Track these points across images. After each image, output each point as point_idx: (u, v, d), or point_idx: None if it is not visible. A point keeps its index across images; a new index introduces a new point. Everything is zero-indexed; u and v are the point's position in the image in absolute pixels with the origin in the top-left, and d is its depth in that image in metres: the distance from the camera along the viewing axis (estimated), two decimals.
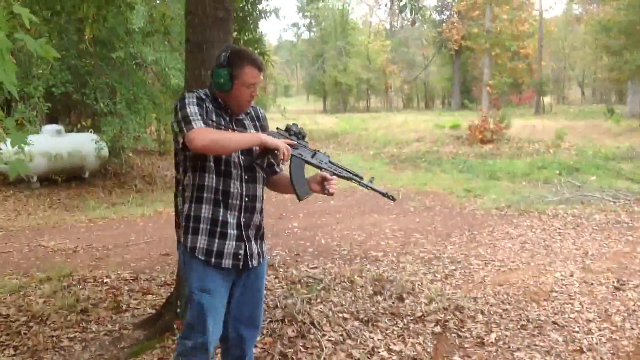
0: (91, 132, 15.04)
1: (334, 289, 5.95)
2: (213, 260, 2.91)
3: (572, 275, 6.69)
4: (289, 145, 2.92)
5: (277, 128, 3.08)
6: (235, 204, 2.96)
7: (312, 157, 3.09)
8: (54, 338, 4.84)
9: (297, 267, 7.01)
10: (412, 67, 54.98)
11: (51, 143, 14.19)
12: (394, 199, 3.26)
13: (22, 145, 3.08)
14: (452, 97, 47.09)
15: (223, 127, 2.92)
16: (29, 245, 8.41)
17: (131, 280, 6.48)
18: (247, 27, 7.63)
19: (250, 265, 3.04)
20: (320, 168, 3.10)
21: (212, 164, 2.88)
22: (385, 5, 60.34)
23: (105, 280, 6.45)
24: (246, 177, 2.99)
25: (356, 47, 50.05)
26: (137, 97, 13.96)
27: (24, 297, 5.89)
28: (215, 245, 2.91)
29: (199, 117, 2.76)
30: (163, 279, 6.46)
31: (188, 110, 2.77)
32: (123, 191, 14.45)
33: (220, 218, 2.92)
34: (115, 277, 6.61)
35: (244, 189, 2.99)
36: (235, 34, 7.23)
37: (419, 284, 6.24)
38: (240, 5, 7.32)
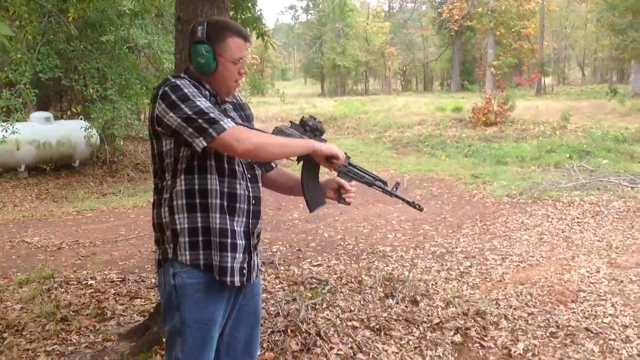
0: (81, 119, 14.47)
1: (341, 291, 5.43)
2: (229, 279, 2.36)
3: (598, 272, 6.16)
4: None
5: (291, 122, 2.54)
6: (242, 209, 2.42)
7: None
8: (30, 352, 4.32)
9: (299, 264, 6.51)
10: (411, 49, 54.33)
11: (39, 131, 13.72)
12: (421, 209, 2.70)
13: None
14: (452, 79, 46.49)
15: None
16: (11, 241, 7.90)
17: (118, 282, 5.94)
18: (245, 4, 7.02)
19: (251, 280, 2.51)
20: (339, 172, 2.57)
21: (213, 162, 2.34)
22: None
23: (89, 283, 5.91)
24: (249, 175, 2.46)
25: (354, 29, 49.29)
26: (128, 82, 13.36)
27: (0, 303, 5.37)
28: (229, 260, 2.35)
29: (219, 112, 2.27)
30: (153, 280, 5.92)
31: (199, 103, 2.24)
32: (114, 180, 13.94)
33: (229, 227, 2.36)
34: (100, 278, 6.08)
35: (251, 190, 2.46)
36: (232, 12, 6.65)
37: (433, 284, 5.73)
38: None
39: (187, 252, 2.35)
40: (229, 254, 2.36)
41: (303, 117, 2.55)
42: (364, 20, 51.58)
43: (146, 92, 13.83)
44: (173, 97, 2.25)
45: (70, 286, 5.80)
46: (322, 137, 2.55)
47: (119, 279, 6.04)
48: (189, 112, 2.22)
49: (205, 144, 2.21)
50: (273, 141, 2.31)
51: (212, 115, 2.22)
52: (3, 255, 7.17)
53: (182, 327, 2.37)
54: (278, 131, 2.50)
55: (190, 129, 2.21)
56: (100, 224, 8.97)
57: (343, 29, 47.93)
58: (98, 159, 15.77)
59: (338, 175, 2.58)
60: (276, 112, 27.26)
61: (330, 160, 2.46)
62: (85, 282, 5.94)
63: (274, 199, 10.32)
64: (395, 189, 2.61)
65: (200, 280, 2.36)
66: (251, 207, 2.46)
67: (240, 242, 2.41)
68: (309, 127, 2.51)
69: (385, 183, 2.61)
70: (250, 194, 2.46)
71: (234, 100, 2.61)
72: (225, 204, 2.37)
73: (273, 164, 2.70)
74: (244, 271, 2.44)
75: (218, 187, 2.35)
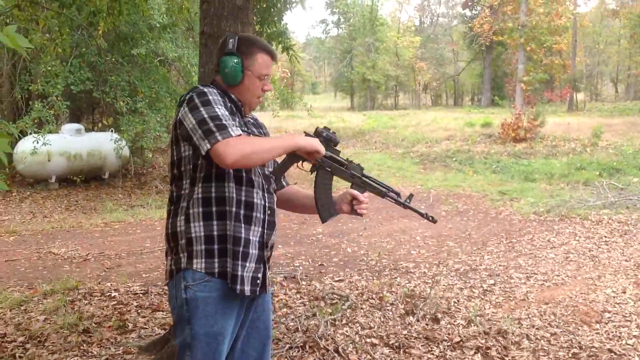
0: (112, 131, 14.67)
1: (361, 308, 5.40)
2: (238, 287, 2.36)
3: (624, 292, 6.04)
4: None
5: (305, 132, 2.55)
6: (258, 218, 2.45)
7: (343, 168, 2.59)
8: None
9: (321, 279, 6.48)
10: (442, 64, 54.08)
11: (70, 142, 13.90)
12: (434, 221, 2.70)
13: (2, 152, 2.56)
14: (482, 94, 46.15)
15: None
16: (39, 252, 7.98)
17: (141, 295, 5.98)
18: (271, 18, 7.07)
19: (265, 291, 2.53)
20: (352, 183, 2.59)
21: (231, 170, 2.37)
22: None
23: (112, 295, 5.96)
24: (266, 186, 2.50)
25: (385, 43, 49.23)
26: (158, 95, 13.53)
27: (25, 313, 5.44)
28: (239, 269, 2.37)
29: (233, 121, 2.32)
30: None
31: (217, 109, 2.29)
32: (143, 192, 14.04)
33: (244, 235, 2.39)
34: (124, 290, 6.12)
35: (267, 199, 2.49)
36: (257, 26, 6.70)
37: (455, 302, 5.66)
38: None
39: (203, 260, 2.36)
40: (239, 262, 2.37)
41: (317, 128, 2.56)
42: (395, 34, 51.49)
43: (175, 105, 13.98)
44: (197, 101, 2.31)
45: (94, 298, 5.85)
46: (336, 148, 2.57)
47: (141, 291, 6.08)
48: (205, 115, 2.26)
49: (209, 146, 2.22)
50: (259, 147, 2.31)
51: (224, 122, 2.25)
52: (30, 266, 7.26)
53: (192, 341, 2.38)
54: None
55: (200, 131, 2.25)
56: (126, 236, 9.06)
57: (373, 43, 47.90)
58: (127, 171, 15.94)
59: (351, 187, 2.60)
60: (305, 125, 27.32)
61: (312, 155, 2.48)
62: (108, 294, 5.98)
63: (298, 213, 10.32)
64: (408, 201, 2.61)
65: (211, 294, 2.36)
66: (267, 217, 2.49)
67: (253, 252, 2.43)
68: (323, 138, 2.53)
69: (398, 194, 2.61)
70: (266, 204, 2.49)
71: (254, 117, 2.67)
72: (242, 212, 2.39)
73: (284, 183, 2.73)
74: (257, 281, 2.45)
75: (235, 196, 2.38)
